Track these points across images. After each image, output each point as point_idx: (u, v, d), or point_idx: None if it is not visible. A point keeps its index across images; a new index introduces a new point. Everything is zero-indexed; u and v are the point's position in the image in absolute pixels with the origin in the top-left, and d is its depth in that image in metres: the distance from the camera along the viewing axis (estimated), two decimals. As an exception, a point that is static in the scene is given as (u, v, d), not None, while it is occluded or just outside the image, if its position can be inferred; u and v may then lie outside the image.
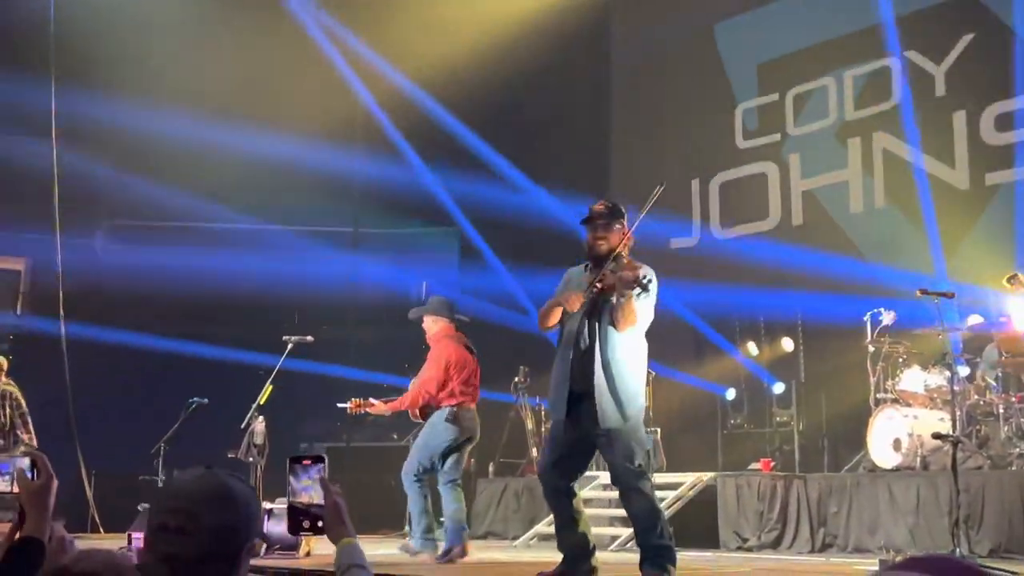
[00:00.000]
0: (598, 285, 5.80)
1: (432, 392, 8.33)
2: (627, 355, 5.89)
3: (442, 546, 8.17)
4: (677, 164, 14.43)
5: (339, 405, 9.07)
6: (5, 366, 10.67)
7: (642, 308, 5.87)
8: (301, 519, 2.45)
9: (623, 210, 6.28)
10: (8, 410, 10.63)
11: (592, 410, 5.76)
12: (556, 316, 6.00)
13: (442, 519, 8.37)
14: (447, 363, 8.33)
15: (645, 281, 5.65)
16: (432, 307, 8.68)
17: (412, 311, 8.80)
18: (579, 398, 5.85)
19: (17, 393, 10.47)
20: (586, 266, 6.18)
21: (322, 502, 2.43)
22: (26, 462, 2.65)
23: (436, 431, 8.28)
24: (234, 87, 13.62)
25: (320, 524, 2.42)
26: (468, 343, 8.65)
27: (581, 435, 5.89)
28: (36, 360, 12.22)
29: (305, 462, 2.46)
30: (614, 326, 5.81)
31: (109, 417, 11.85)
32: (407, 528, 11.83)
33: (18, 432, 10.62)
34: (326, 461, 2.47)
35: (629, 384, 5.84)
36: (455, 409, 8.28)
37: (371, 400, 8.66)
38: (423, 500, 8.31)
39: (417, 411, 8.50)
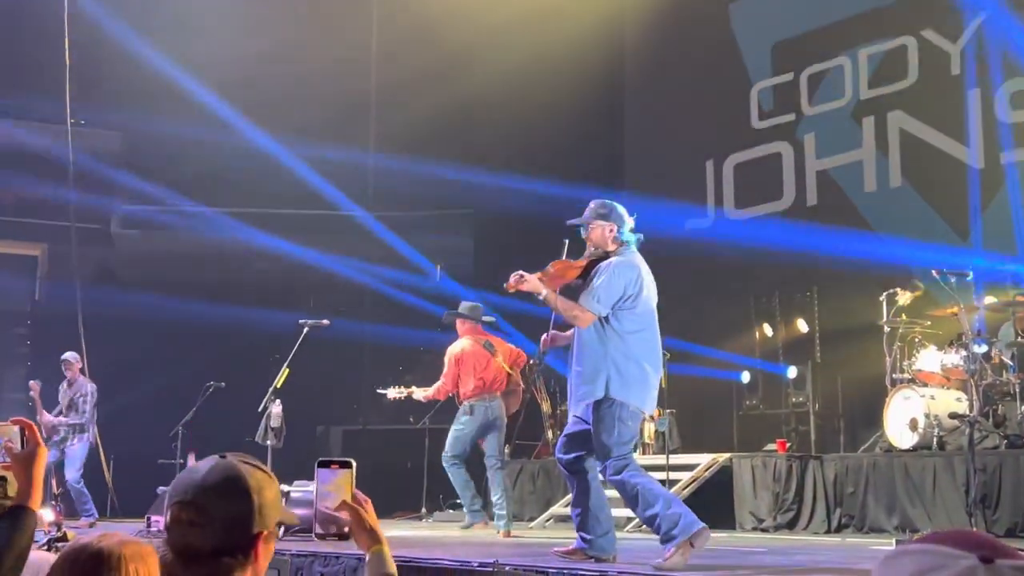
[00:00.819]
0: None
1: (449, 388, 9.47)
2: (591, 341, 5.84)
3: (489, 520, 9.44)
4: (691, 145, 14.39)
5: (379, 391, 9.94)
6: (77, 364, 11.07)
7: (584, 300, 5.85)
8: (329, 525, 2.44)
9: (602, 209, 6.09)
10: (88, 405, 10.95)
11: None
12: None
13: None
14: (458, 362, 9.42)
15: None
16: (461, 311, 9.79)
17: (445, 315, 10.01)
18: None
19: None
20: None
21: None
22: (15, 430, 2.68)
23: (459, 422, 9.46)
24: (250, 68, 13.64)
25: (346, 530, 2.41)
26: (488, 342, 9.60)
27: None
28: (54, 345, 12.30)
29: (332, 466, 2.45)
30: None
31: (127, 401, 11.91)
32: (423, 509, 11.94)
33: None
34: (354, 467, 2.46)
35: (587, 368, 5.82)
36: (472, 402, 9.38)
37: (413, 388, 9.78)
38: (461, 479, 9.56)
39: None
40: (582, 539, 5.67)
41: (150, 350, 13.43)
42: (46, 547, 6.35)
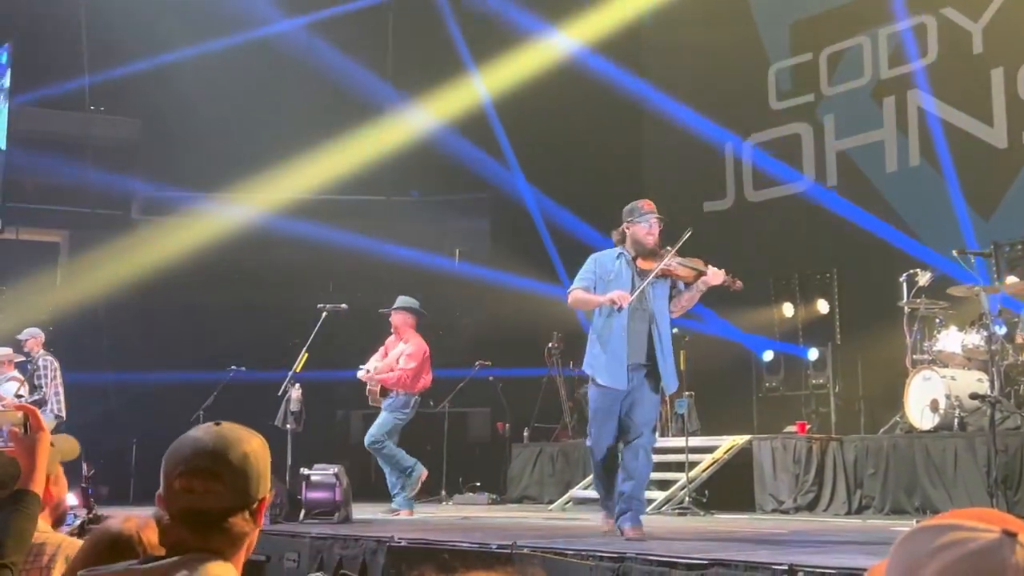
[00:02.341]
0: (682, 273, 6.58)
1: (407, 380, 9.53)
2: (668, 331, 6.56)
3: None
4: (710, 126, 14.32)
5: (357, 374, 9.82)
6: (42, 338, 10.99)
7: None
8: None
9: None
10: (45, 380, 10.95)
11: (652, 379, 6.46)
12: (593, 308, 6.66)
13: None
14: (425, 356, 9.60)
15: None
16: (403, 304, 9.81)
17: (384, 310, 9.87)
18: (633, 369, 6.45)
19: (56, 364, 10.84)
20: (620, 254, 6.64)
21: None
22: (20, 416, 2.74)
23: (402, 412, 9.55)
24: (267, 55, 13.67)
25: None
26: None
27: (629, 402, 6.50)
28: (75, 331, 12.38)
29: None
30: (670, 309, 6.63)
31: (147, 385, 11.99)
32: (443, 492, 11.98)
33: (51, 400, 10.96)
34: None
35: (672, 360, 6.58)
36: (418, 398, 9.68)
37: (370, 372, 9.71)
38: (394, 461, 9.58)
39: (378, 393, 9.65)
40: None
41: (170, 335, 13.49)
42: (78, 531, 6.40)
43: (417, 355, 9.54)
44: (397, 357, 9.59)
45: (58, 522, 3.19)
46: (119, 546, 2.49)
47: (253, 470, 2.02)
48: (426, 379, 9.66)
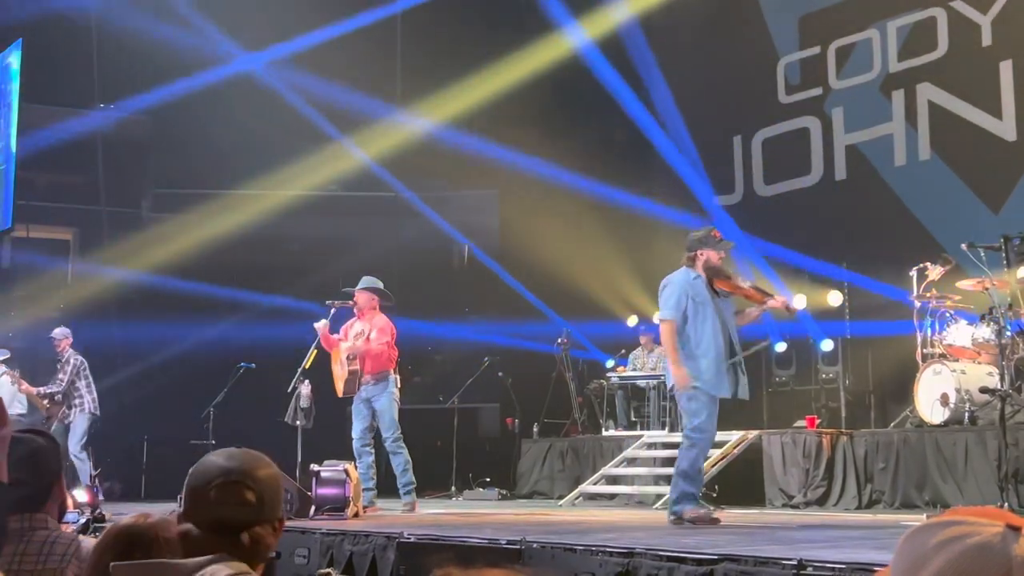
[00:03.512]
0: (754, 296, 7.48)
1: (382, 356, 9.12)
2: None
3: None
4: (719, 121, 14.31)
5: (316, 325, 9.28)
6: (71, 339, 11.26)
7: None
8: None
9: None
10: (64, 375, 11.15)
11: (735, 383, 7.35)
12: None
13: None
14: (394, 334, 9.26)
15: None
16: (368, 285, 9.41)
17: (348, 289, 9.46)
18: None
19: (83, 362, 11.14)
20: (697, 277, 7.37)
21: None
22: None
23: (396, 397, 9.17)
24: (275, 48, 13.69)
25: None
26: None
27: None
28: (87, 330, 12.43)
29: None
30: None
31: (159, 383, 12.04)
32: (452, 488, 11.99)
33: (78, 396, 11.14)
34: None
35: None
36: (397, 377, 9.29)
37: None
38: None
39: (342, 386, 9.22)
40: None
41: (181, 333, 13.52)
42: (83, 528, 6.44)
43: (387, 330, 9.18)
44: (367, 335, 9.16)
45: (58, 519, 3.20)
46: (137, 542, 2.52)
47: (275, 489, 2.18)
48: (394, 356, 9.27)
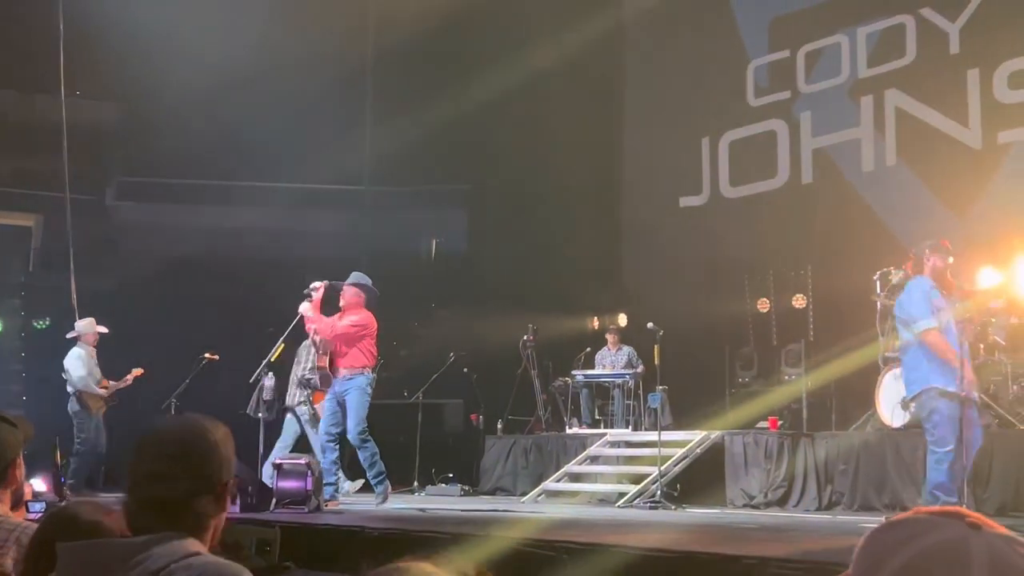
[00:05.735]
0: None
1: (343, 335, 8.88)
2: None
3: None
4: (687, 122, 14.36)
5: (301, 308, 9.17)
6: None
7: None
8: None
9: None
10: None
11: None
12: None
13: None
14: (375, 329, 9.07)
15: None
16: (356, 280, 9.20)
17: (336, 283, 9.23)
18: None
19: None
20: (933, 286, 7.37)
21: None
22: None
23: (367, 393, 8.92)
24: (248, 44, 13.58)
25: None
26: None
27: None
28: (47, 316, 12.29)
29: None
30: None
31: (120, 373, 11.90)
32: (415, 483, 11.97)
33: None
34: None
35: None
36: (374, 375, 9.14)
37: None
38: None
39: (318, 389, 9.24)
40: None
41: (144, 322, 13.41)
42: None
43: (365, 324, 8.99)
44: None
45: (15, 506, 3.17)
46: (74, 529, 2.50)
47: (216, 456, 2.09)
48: (373, 353, 9.12)
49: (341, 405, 8.95)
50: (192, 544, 1.99)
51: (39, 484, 8.06)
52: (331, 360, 9.01)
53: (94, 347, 11.35)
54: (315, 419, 10.14)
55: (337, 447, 9.06)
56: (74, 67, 12.38)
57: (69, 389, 11.18)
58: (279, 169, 14.63)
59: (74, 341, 11.27)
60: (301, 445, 10.37)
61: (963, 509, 1.23)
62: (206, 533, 2.07)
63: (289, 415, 10.64)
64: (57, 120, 12.21)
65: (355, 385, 8.91)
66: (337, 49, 14.54)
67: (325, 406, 9.14)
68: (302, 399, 10.69)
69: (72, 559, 2.01)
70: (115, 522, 2.50)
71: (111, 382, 11.38)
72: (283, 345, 9.17)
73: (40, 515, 6.21)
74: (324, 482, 8.62)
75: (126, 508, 2.08)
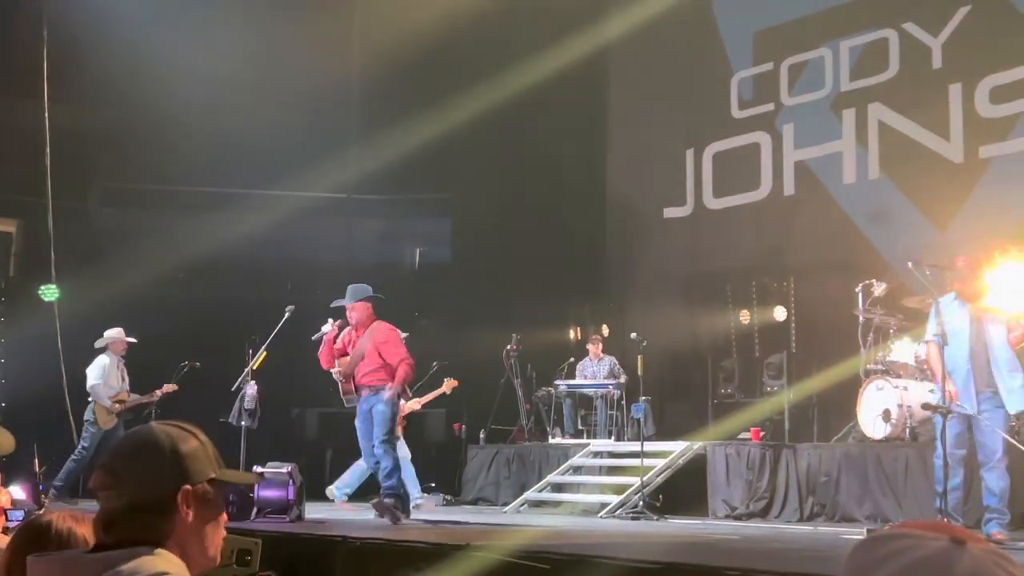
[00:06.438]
0: None
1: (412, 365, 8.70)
2: None
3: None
4: (672, 133, 14.41)
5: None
6: None
7: None
8: None
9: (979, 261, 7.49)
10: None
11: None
12: None
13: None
14: (400, 339, 8.78)
15: None
16: (361, 294, 8.82)
17: (339, 303, 8.85)
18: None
19: None
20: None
21: None
22: None
23: (394, 404, 8.57)
24: (232, 50, 13.55)
25: None
26: None
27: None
28: (27, 323, 12.21)
29: None
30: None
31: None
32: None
33: None
34: None
35: None
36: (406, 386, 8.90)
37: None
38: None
39: (346, 390, 8.75)
40: None
41: (125, 329, 13.34)
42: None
43: (397, 339, 8.66)
44: (376, 351, 8.57)
45: None
46: (45, 539, 2.50)
47: (158, 461, 1.97)
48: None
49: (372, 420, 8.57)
50: (161, 560, 1.90)
51: (18, 492, 7.99)
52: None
53: (121, 357, 11.37)
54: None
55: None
56: (59, 72, 12.31)
57: (89, 396, 11.20)
58: (264, 178, 14.57)
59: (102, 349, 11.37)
60: None
61: (949, 524, 1.23)
62: (178, 544, 1.96)
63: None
64: (40, 125, 12.15)
65: (382, 394, 8.54)
66: (323, 59, 14.51)
67: (359, 429, 8.69)
68: None
69: (41, 573, 1.97)
70: (89, 531, 2.49)
71: (132, 395, 11.35)
72: (265, 353, 9.13)
73: (18, 524, 6.17)
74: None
75: (95, 521, 2.02)
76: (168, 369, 11.68)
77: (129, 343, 11.44)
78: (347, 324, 8.80)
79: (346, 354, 8.78)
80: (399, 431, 10.04)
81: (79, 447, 11.10)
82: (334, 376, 8.80)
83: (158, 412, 11.26)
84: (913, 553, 1.17)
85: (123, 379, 11.38)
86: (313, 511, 8.75)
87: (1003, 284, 7.35)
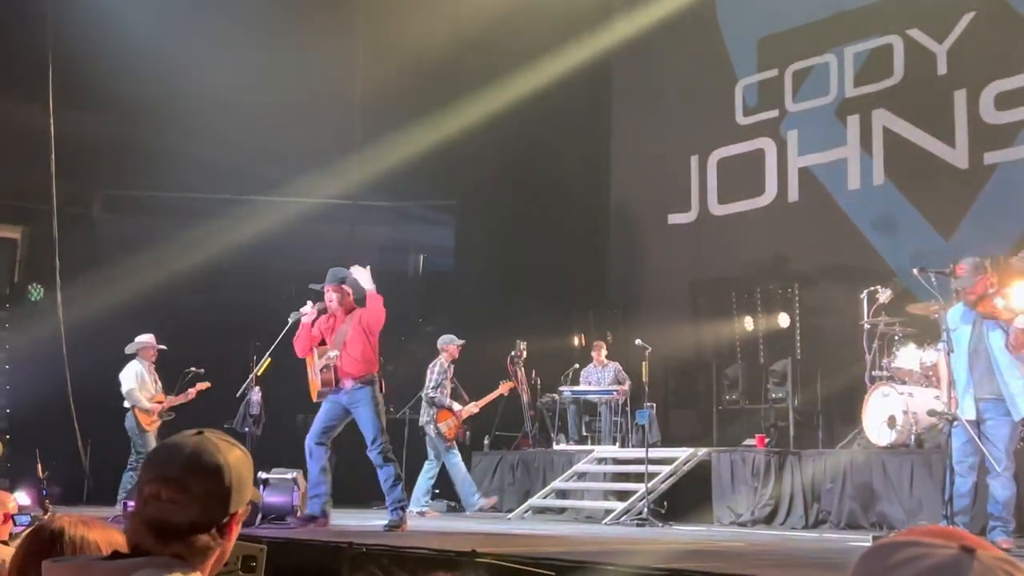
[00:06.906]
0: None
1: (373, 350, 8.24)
2: None
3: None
4: (676, 139, 14.42)
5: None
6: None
7: None
8: None
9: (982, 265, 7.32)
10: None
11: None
12: None
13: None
14: (381, 323, 8.24)
15: None
16: (341, 277, 8.51)
17: (317, 285, 8.57)
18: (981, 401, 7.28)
19: None
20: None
21: None
22: None
23: (377, 407, 8.19)
24: (237, 57, 13.56)
25: None
26: None
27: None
28: (32, 329, 12.23)
29: None
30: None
31: (106, 387, 11.83)
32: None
33: None
34: None
35: None
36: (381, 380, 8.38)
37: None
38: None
39: (325, 380, 8.23)
40: None
41: (130, 335, 13.35)
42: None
43: (380, 315, 8.17)
44: (363, 334, 8.14)
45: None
46: (57, 544, 2.49)
47: (225, 484, 1.96)
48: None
49: (344, 414, 8.24)
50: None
51: (23, 497, 8.00)
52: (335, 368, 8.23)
53: (152, 362, 11.38)
54: (441, 437, 11.10)
55: (327, 452, 8.26)
56: (64, 79, 12.34)
57: (126, 404, 11.16)
58: (268, 184, 14.58)
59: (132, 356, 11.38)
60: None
61: (959, 531, 1.23)
62: (204, 560, 1.96)
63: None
64: (45, 131, 12.17)
65: (365, 396, 8.17)
66: (328, 66, 14.52)
67: (324, 408, 8.29)
68: (428, 418, 11.19)
69: None
70: (100, 536, 2.48)
71: (168, 396, 11.36)
72: (270, 359, 9.13)
73: (26, 528, 6.18)
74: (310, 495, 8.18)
75: (129, 525, 1.99)
76: (173, 376, 11.67)
77: (160, 350, 11.43)
78: (326, 310, 8.45)
79: (323, 342, 8.34)
80: (457, 434, 10.41)
81: (134, 457, 10.97)
82: (313, 366, 8.26)
83: (164, 419, 11.27)
84: (923, 561, 1.16)
85: (156, 382, 11.38)
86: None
87: (1006, 290, 7.32)
